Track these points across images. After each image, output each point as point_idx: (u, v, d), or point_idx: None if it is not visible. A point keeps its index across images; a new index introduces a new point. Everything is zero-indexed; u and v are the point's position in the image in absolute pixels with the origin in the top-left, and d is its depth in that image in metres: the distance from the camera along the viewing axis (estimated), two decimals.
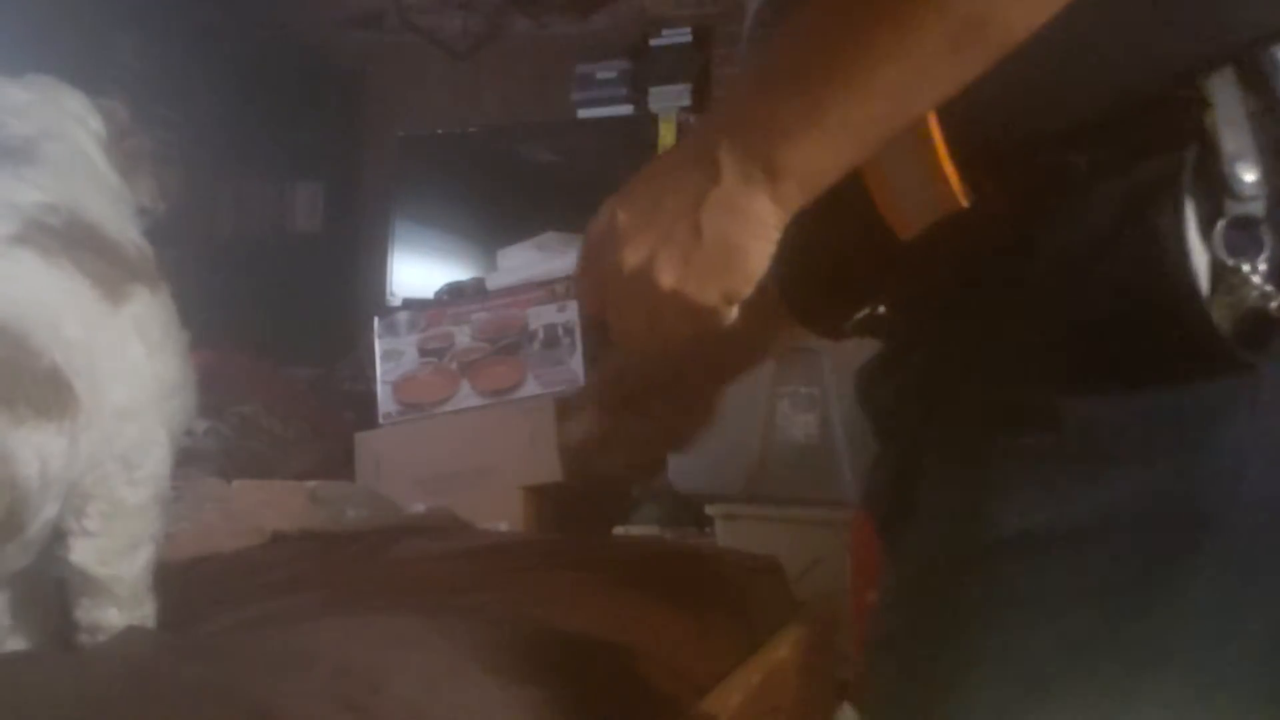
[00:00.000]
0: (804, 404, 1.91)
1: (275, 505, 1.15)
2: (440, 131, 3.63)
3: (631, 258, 0.59)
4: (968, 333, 0.62)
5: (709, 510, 1.99)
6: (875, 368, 0.70)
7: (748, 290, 0.60)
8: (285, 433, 2.94)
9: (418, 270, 3.43)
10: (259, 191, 3.81)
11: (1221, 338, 0.54)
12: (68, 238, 0.75)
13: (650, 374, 0.83)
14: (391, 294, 3.47)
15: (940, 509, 0.61)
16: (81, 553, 0.71)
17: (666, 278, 0.58)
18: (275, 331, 3.40)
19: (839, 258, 0.65)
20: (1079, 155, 0.57)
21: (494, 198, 3.38)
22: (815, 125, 0.55)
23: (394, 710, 0.62)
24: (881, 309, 0.67)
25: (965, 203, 0.58)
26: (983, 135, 0.58)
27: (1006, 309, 0.60)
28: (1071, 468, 0.56)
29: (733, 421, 1.92)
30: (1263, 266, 0.54)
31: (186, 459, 2.85)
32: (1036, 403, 0.58)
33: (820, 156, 0.56)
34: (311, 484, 1.24)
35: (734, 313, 0.61)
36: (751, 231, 0.57)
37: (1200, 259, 0.54)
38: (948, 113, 0.57)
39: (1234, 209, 0.54)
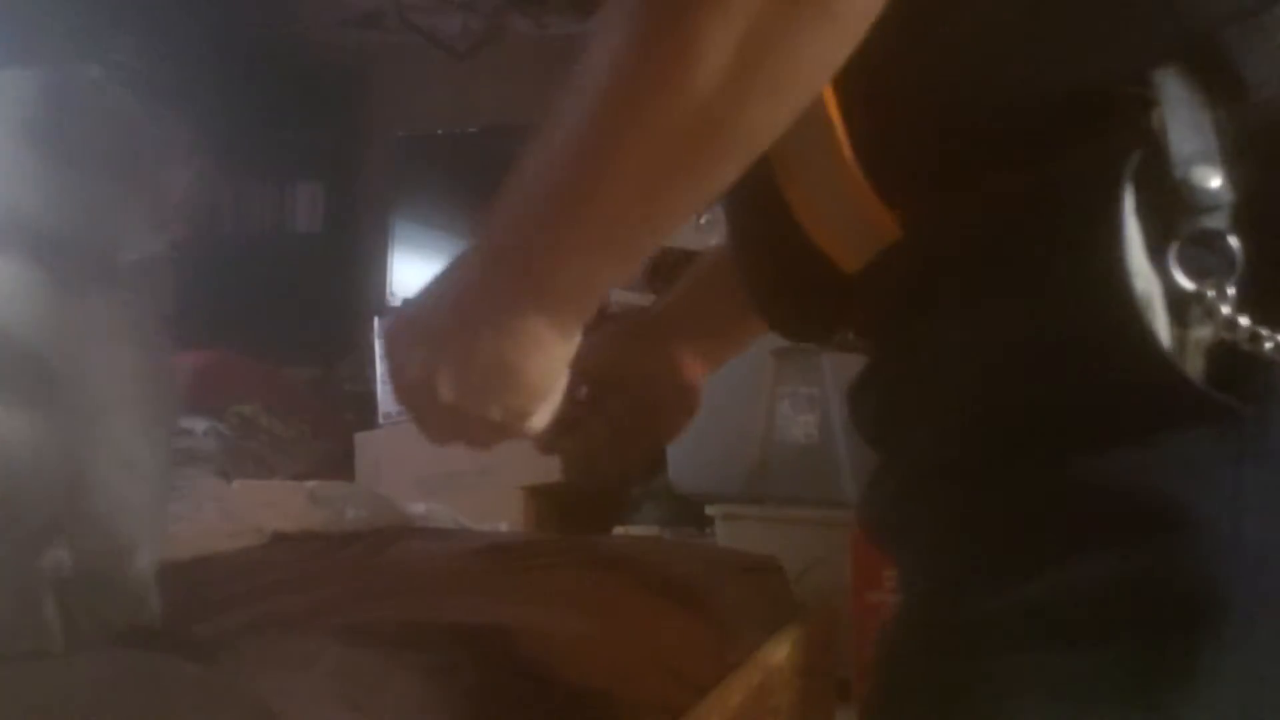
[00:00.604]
0: (804, 404, 1.91)
1: (275, 505, 1.15)
2: (440, 131, 3.63)
3: (412, 370, 0.59)
4: (919, 372, 0.57)
5: (709, 510, 1.99)
6: (857, 386, 0.66)
7: (534, 406, 0.60)
8: (285, 433, 2.94)
9: (418, 270, 3.43)
10: (259, 191, 3.81)
11: (1189, 383, 0.46)
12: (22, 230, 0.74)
13: (610, 377, 0.80)
14: (392, 294, 3.47)
15: (916, 567, 0.57)
16: (80, 551, 0.71)
17: (445, 393, 0.58)
18: (275, 331, 3.41)
19: (798, 288, 0.62)
20: (1012, 174, 0.50)
21: (494, 198, 3.38)
22: (573, 246, 0.54)
23: (394, 709, 0.62)
24: (850, 336, 0.65)
25: (897, 231, 0.54)
26: (907, 157, 0.53)
27: (954, 349, 0.54)
28: (1039, 541, 0.49)
29: (733, 422, 1.92)
30: (1231, 290, 0.46)
31: (187, 459, 2.86)
32: (995, 464, 0.51)
33: (586, 274, 0.55)
34: (311, 484, 1.24)
35: (534, 423, 0.61)
36: (525, 352, 0.57)
37: (1150, 287, 0.46)
38: (865, 138, 0.53)
39: (1190, 224, 0.46)
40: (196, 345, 3.21)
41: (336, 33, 3.72)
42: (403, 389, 0.61)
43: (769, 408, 1.93)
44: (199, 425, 2.85)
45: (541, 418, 0.61)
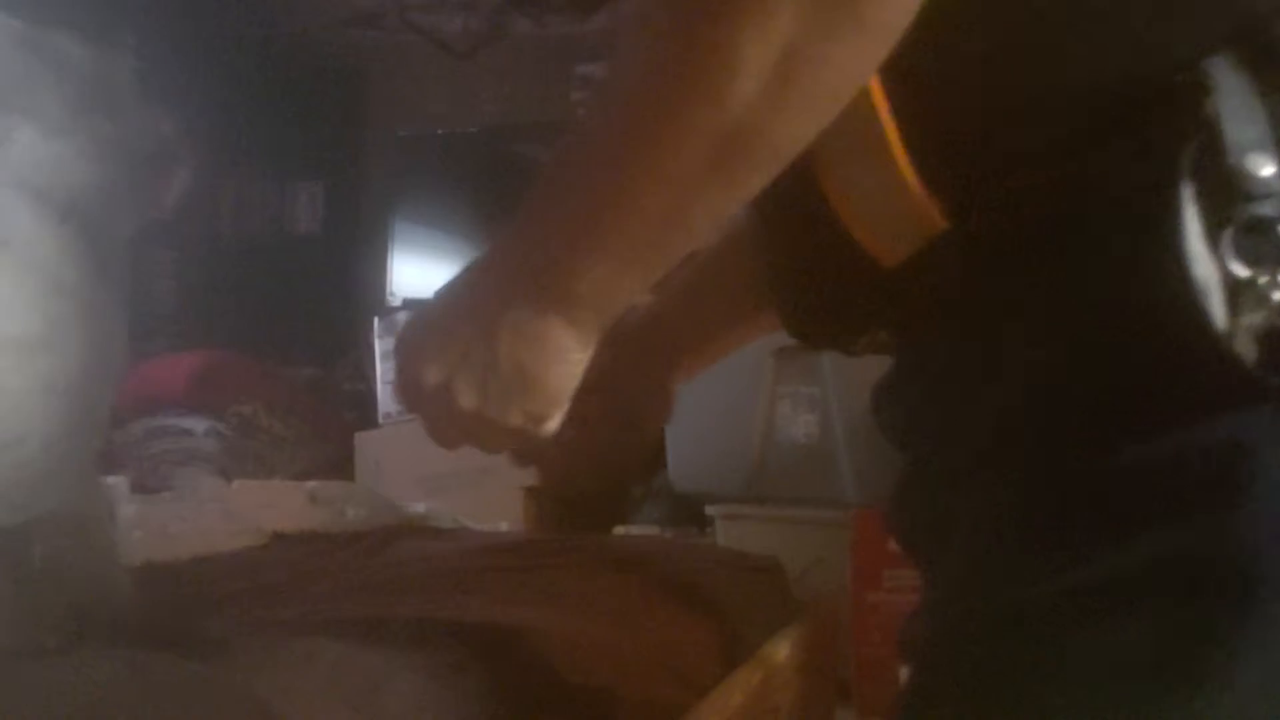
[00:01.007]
0: (804, 404, 1.91)
1: (275, 505, 1.15)
2: (440, 131, 3.63)
3: (432, 376, 0.59)
4: (966, 357, 0.57)
5: (709, 510, 1.99)
6: (886, 387, 0.67)
7: (554, 412, 0.60)
8: (285, 433, 2.94)
9: (418, 270, 3.44)
10: (259, 191, 3.81)
11: (1243, 365, 0.47)
12: None
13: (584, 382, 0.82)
14: (391, 294, 3.47)
15: (963, 555, 0.57)
16: None
17: (465, 400, 0.59)
18: (275, 331, 3.41)
19: (832, 285, 0.62)
20: (1065, 164, 0.51)
21: (494, 198, 3.39)
22: (598, 253, 0.54)
23: (395, 708, 0.62)
24: (883, 334, 0.64)
25: (943, 223, 0.54)
26: (957, 148, 0.53)
27: (1003, 342, 0.55)
28: (1096, 524, 0.50)
29: (733, 421, 1.92)
30: None
31: (187, 459, 2.86)
32: (1040, 454, 0.52)
33: (607, 282, 0.55)
34: (311, 484, 1.24)
35: (550, 427, 0.61)
36: (547, 359, 0.57)
37: (1209, 273, 0.47)
38: (914, 127, 0.53)
39: (1245, 211, 0.47)
40: (196, 345, 3.21)
41: (337, 32, 3.71)
42: (419, 395, 0.61)
43: (769, 408, 1.93)
44: (199, 425, 2.86)
45: (556, 422, 0.62)
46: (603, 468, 0.86)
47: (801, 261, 0.63)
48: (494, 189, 3.43)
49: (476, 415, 0.59)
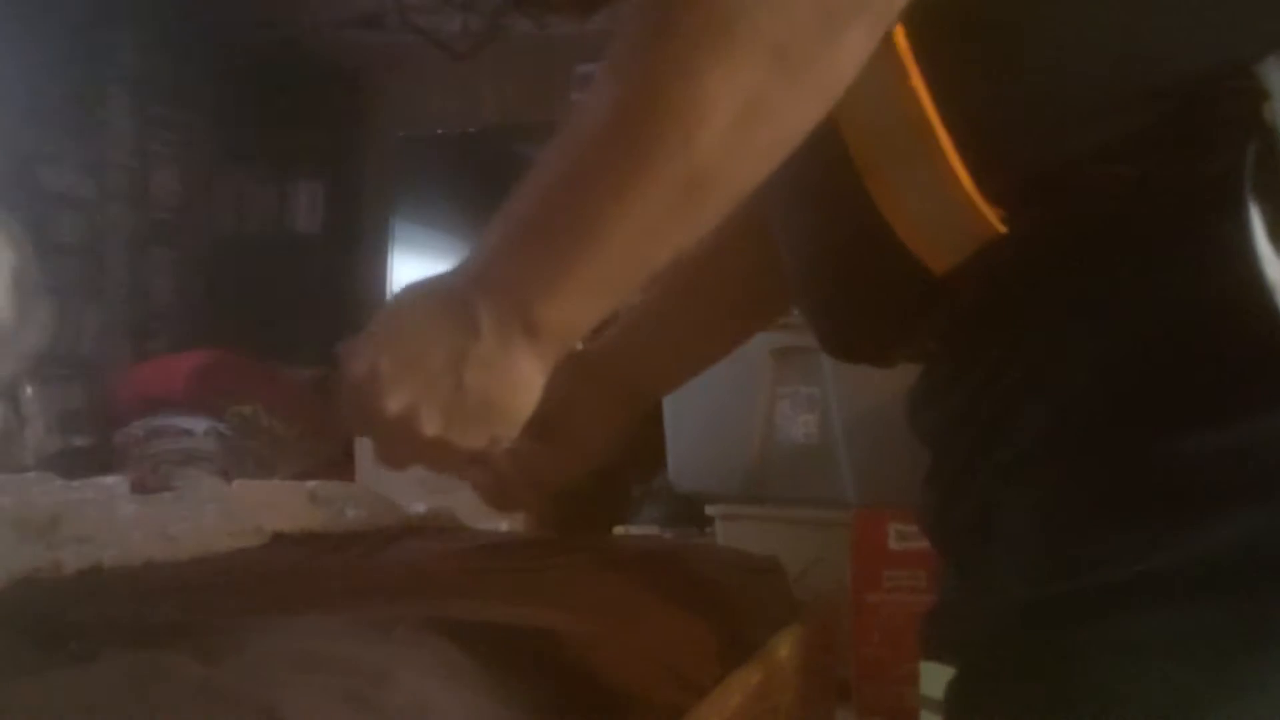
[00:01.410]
0: (804, 404, 1.91)
1: (275, 505, 1.15)
2: (440, 132, 3.63)
3: (394, 405, 0.61)
4: (1019, 358, 0.58)
5: (709, 510, 1.99)
6: (924, 390, 0.67)
7: (513, 433, 0.62)
8: (285, 432, 2.94)
9: (418, 270, 3.43)
10: (259, 191, 3.81)
11: None
12: None
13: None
14: (391, 293, 3.47)
15: (1027, 547, 0.57)
16: None
17: (429, 428, 0.60)
18: (275, 331, 3.41)
19: (882, 296, 0.62)
20: (1125, 166, 0.52)
21: (494, 198, 3.36)
22: (562, 285, 0.56)
23: (400, 704, 0.62)
24: (929, 343, 0.64)
25: (1001, 228, 0.54)
26: (1014, 154, 0.54)
27: (1064, 338, 0.56)
28: (1163, 513, 0.51)
29: (733, 421, 1.92)
30: None
31: (187, 459, 2.86)
32: (1109, 441, 0.53)
33: (573, 312, 0.58)
34: (311, 484, 1.24)
35: (504, 444, 0.63)
36: (513, 388, 0.60)
37: (1276, 271, 0.49)
38: (969, 134, 0.53)
39: None
40: (196, 345, 3.21)
41: (337, 33, 3.72)
42: (379, 423, 0.62)
43: (769, 407, 1.93)
44: (199, 425, 2.86)
45: (509, 442, 0.64)
46: (536, 493, 0.89)
47: (852, 274, 0.63)
48: (494, 189, 3.42)
49: (438, 442, 0.61)
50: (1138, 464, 0.52)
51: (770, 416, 1.93)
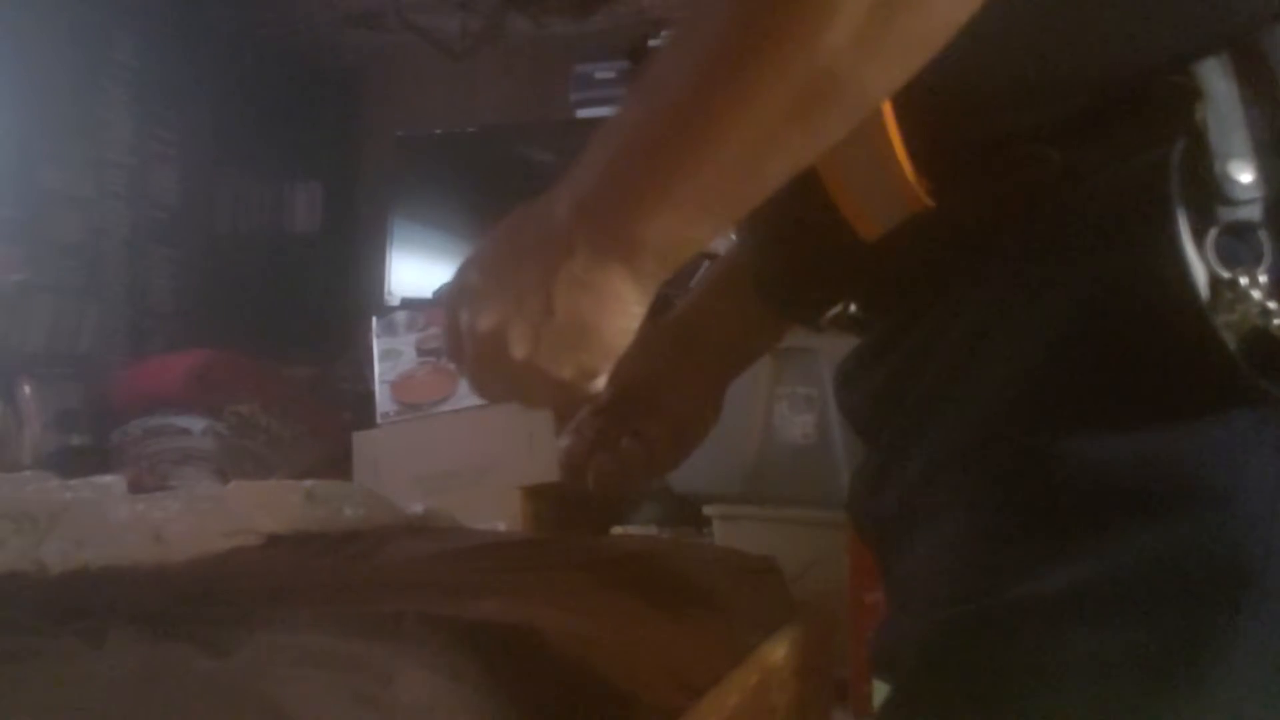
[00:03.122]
0: (802, 405, 1.91)
1: (271, 505, 1.14)
2: (439, 131, 3.63)
3: (484, 324, 0.57)
4: (941, 347, 0.56)
5: (707, 511, 1.99)
6: (851, 367, 0.65)
7: (606, 366, 0.58)
8: (283, 432, 2.94)
9: (416, 270, 3.43)
10: (257, 191, 3.81)
11: (1233, 361, 0.47)
12: None
13: (640, 391, 0.77)
14: (390, 294, 3.47)
15: (943, 555, 0.56)
16: None
17: (518, 349, 0.56)
18: (273, 331, 3.41)
19: (807, 252, 0.61)
20: (1053, 150, 0.51)
21: (493, 198, 3.38)
22: (666, 199, 0.52)
23: (407, 703, 0.62)
24: (853, 307, 0.63)
25: (929, 202, 0.53)
26: (947, 130, 0.53)
27: (981, 324, 0.54)
28: (1078, 523, 0.50)
29: (731, 422, 1.91)
30: (1263, 278, 0.47)
31: (184, 458, 2.85)
32: (1024, 443, 0.51)
33: (675, 230, 0.53)
34: (309, 483, 1.24)
35: (598, 384, 0.59)
36: (605, 309, 0.55)
37: (1199, 272, 0.48)
38: (907, 106, 0.52)
39: (1227, 214, 0.48)
40: (194, 344, 3.21)
41: (335, 32, 3.71)
42: (468, 345, 0.58)
43: (767, 408, 1.93)
44: (197, 424, 2.86)
45: (604, 379, 0.59)
46: (653, 478, 0.85)
47: (782, 224, 0.61)
48: (493, 189, 3.43)
49: (526, 365, 0.57)
50: (1056, 470, 0.50)
51: (768, 417, 1.93)
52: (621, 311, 0.55)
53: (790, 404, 1.92)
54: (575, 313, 0.55)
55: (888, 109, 0.52)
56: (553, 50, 3.51)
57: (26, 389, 2.86)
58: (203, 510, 1.07)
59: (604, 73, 3.32)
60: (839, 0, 0.45)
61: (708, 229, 0.53)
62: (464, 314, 0.58)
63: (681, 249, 0.54)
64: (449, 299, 0.60)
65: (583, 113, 3.34)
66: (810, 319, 0.67)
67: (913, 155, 0.53)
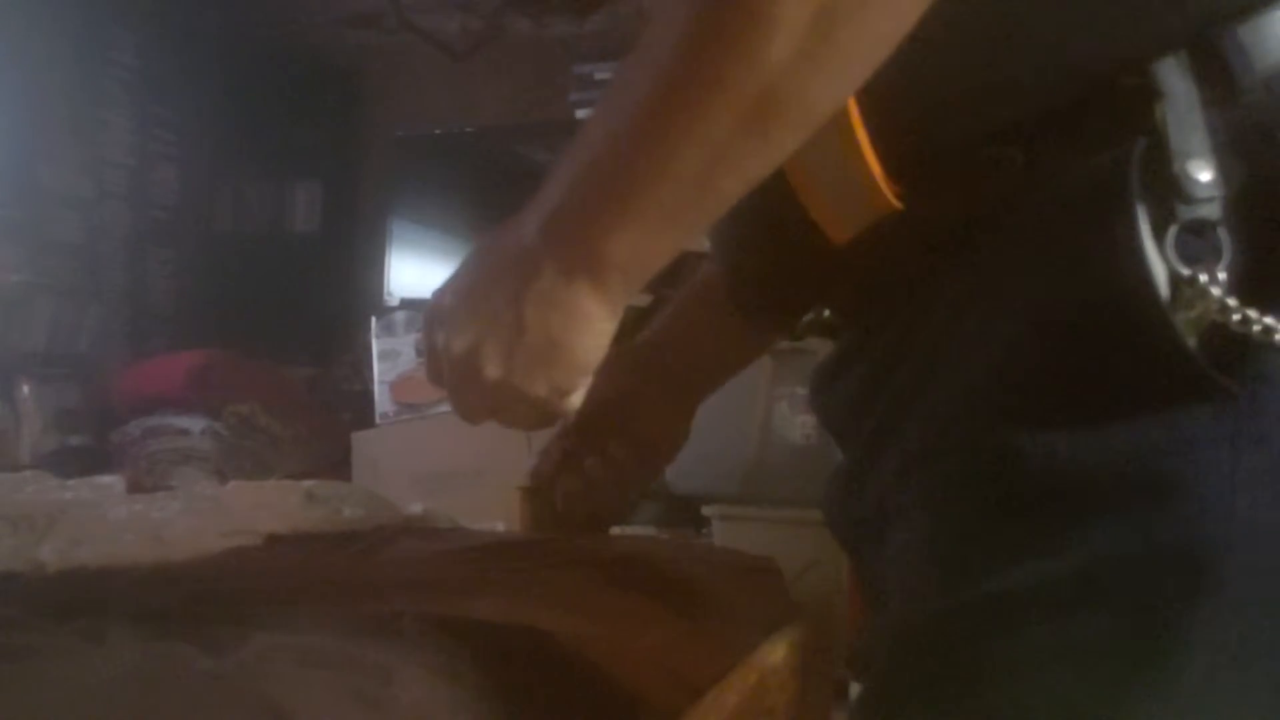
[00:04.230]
0: (801, 405, 1.91)
1: (270, 505, 1.14)
2: (438, 131, 3.63)
3: (459, 345, 0.58)
4: (912, 348, 0.57)
5: (706, 511, 1.99)
6: (825, 373, 0.66)
7: (579, 383, 0.59)
8: (282, 432, 2.94)
9: (415, 270, 3.43)
10: (257, 191, 3.81)
11: (1192, 358, 0.48)
12: None
13: (606, 413, 0.78)
14: (389, 294, 3.47)
15: (912, 553, 0.57)
16: None
17: (491, 369, 0.58)
18: (273, 331, 3.41)
19: (779, 258, 0.62)
20: (1015, 150, 0.52)
21: (493, 198, 3.38)
22: (628, 216, 0.53)
23: (407, 704, 0.62)
24: (826, 313, 0.65)
25: (898, 205, 0.54)
26: (913, 131, 0.54)
27: (949, 323, 0.55)
28: (1041, 518, 0.51)
29: (730, 423, 1.92)
30: (1222, 275, 0.49)
31: (183, 458, 2.85)
32: (989, 440, 0.52)
33: (637, 247, 0.54)
34: (308, 483, 1.24)
35: (574, 401, 0.60)
36: (575, 327, 0.56)
37: (1159, 270, 0.49)
38: (874, 108, 0.53)
39: (1186, 213, 0.49)
40: (194, 344, 3.21)
41: (335, 32, 3.71)
42: (444, 365, 0.60)
43: (766, 409, 1.93)
44: (196, 424, 2.86)
45: (579, 396, 0.61)
46: (621, 500, 0.86)
47: (753, 231, 0.62)
48: (492, 189, 3.43)
49: (502, 384, 0.58)
50: (1021, 466, 0.51)
51: (768, 418, 1.93)
52: (590, 329, 0.57)
53: (789, 404, 1.92)
54: (545, 331, 0.56)
55: (855, 112, 0.53)
56: (553, 50, 3.51)
57: (26, 389, 2.86)
58: (202, 510, 1.07)
59: (604, 73, 3.32)
60: (780, 18, 0.46)
61: (670, 244, 0.55)
62: (440, 336, 0.60)
63: (646, 265, 0.55)
64: (426, 323, 0.62)
65: (582, 113, 3.34)
66: (785, 326, 0.68)
67: (881, 158, 0.54)
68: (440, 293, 0.62)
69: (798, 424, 1.91)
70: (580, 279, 0.55)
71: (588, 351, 0.58)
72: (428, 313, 0.62)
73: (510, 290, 0.57)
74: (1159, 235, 0.49)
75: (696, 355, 0.86)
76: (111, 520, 0.97)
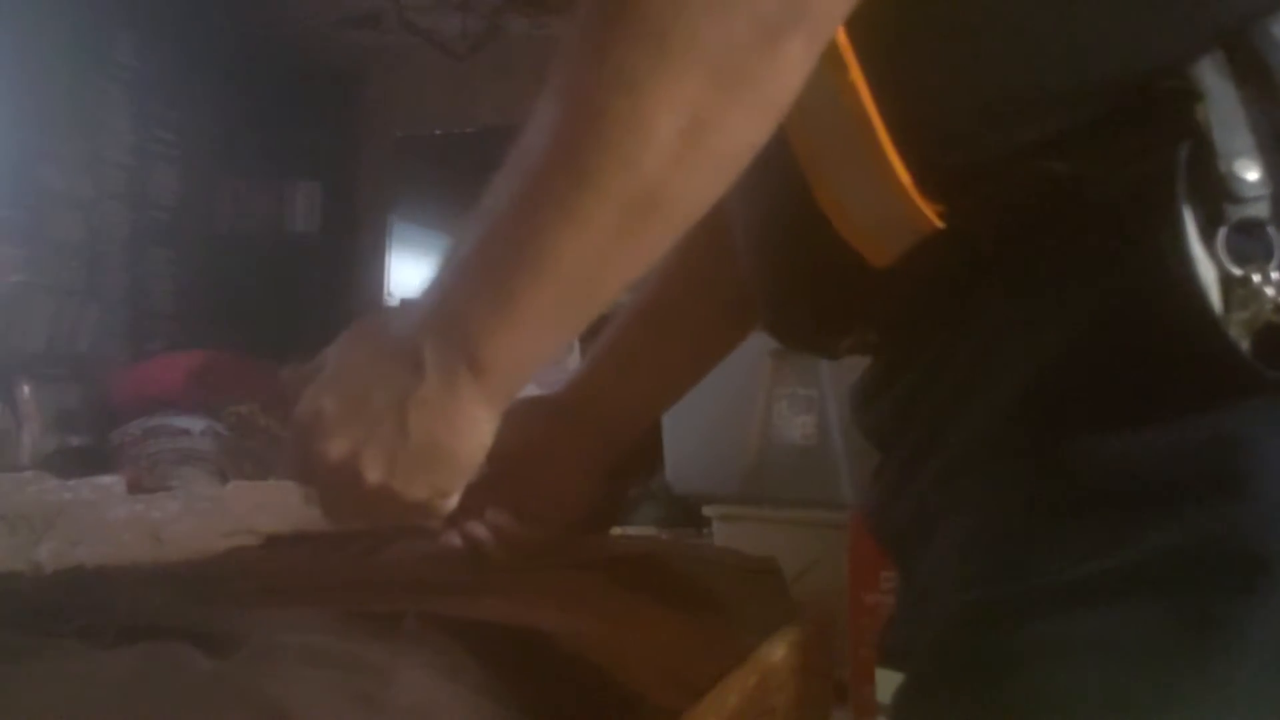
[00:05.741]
0: (801, 405, 1.90)
1: (270, 506, 1.14)
2: (438, 132, 3.63)
3: (335, 451, 0.58)
4: (956, 359, 0.57)
5: (706, 511, 1.99)
6: (868, 385, 0.67)
7: (460, 484, 0.59)
8: (283, 432, 2.93)
9: (415, 270, 3.44)
10: (257, 191, 3.81)
11: (1244, 358, 0.48)
12: None
13: (513, 467, 0.77)
14: (389, 294, 3.47)
15: (966, 551, 0.56)
16: None
17: (372, 474, 0.57)
18: (273, 331, 3.41)
19: (821, 287, 0.62)
20: (1058, 163, 0.52)
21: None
22: (507, 320, 0.54)
23: (406, 704, 0.62)
24: (870, 334, 0.64)
25: (940, 224, 0.54)
26: (949, 148, 0.54)
27: (994, 334, 0.55)
28: (1097, 517, 0.51)
29: (730, 423, 1.92)
30: (1275, 274, 0.48)
31: (184, 459, 2.85)
32: (1045, 442, 0.52)
33: (519, 349, 0.55)
34: None
35: (450, 503, 0.60)
36: (458, 430, 0.56)
37: (1208, 271, 0.49)
38: (906, 132, 0.53)
39: (1236, 213, 0.49)
40: (194, 344, 3.21)
41: (335, 33, 3.72)
42: (320, 471, 0.60)
43: (766, 409, 1.93)
44: (196, 425, 2.86)
45: (457, 497, 0.61)
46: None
47: (792, 265, 0.63)
48: None
49: (381, 489, 0.58)
50: (1072, 466, 0.52)
51: (768, 418, 1.93)
52: (475, 430, 0.57)
53: (790, 404, 1.92)
54: (429, 436, 0.56)
55: (884, 137, 0.53)
56: (552, 50, 3.50)
57: (26, 389, 2.86)
58: (202, 510, 1.07)
59: None
60: (652, 128, 0.48)
61: (551, 344, 0.56)
62: (315, 441, 0.59)
63: (529, 365, 0.56)
64: (298, 426, 0.61)
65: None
66: (827, 350, 0.68)
67: (917, 179, 0.54)
68: (314, 395, 0.61)
69: (798, 424, 1.91)
70: (463, 383, 0.55)
71: (470, 454, 0.58)
72: (299, 415, 0.61)
73: (392, 394, 0.56)
74: (1208, 237, 0.49)
75: (608, 413, 0.86)
76: (112, 520, 0.97)
